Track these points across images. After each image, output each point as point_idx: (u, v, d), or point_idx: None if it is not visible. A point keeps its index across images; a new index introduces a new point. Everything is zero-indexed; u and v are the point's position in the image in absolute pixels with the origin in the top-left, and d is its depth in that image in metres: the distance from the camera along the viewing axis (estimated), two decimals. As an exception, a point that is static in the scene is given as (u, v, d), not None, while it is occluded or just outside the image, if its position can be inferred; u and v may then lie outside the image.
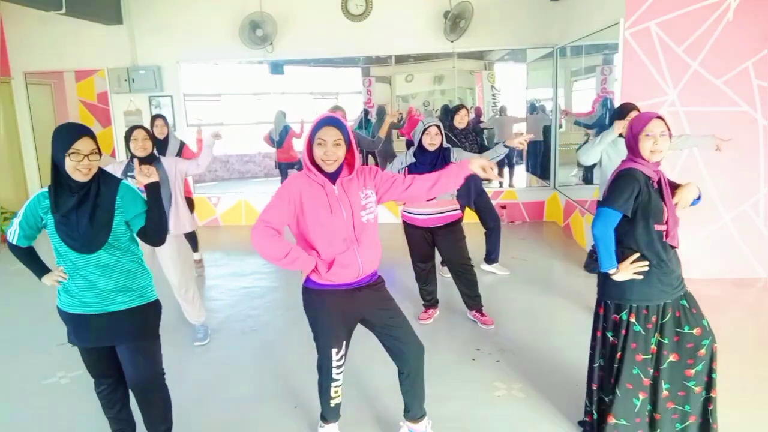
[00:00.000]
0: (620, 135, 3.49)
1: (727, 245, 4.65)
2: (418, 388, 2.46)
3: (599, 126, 6.10)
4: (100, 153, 2.08)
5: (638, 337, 2.25)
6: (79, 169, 2.01)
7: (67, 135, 2.01)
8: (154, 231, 2.21)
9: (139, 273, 2.24)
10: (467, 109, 4.83)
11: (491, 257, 4.96)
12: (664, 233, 2.21)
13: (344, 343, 2.36)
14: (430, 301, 4.01)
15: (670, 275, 2.23)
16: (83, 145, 2.01)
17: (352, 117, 8.23)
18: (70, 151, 1.99)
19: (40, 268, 2.28)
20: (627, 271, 2.20)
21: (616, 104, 4.64)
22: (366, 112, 8.09)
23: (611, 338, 2.33)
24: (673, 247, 2.26)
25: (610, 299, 2.31)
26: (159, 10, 7.02)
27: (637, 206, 2.19)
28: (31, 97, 7.47)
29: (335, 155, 2.16)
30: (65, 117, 8.14)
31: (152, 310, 2.29)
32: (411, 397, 2.47)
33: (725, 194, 4.59)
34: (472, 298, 3.88)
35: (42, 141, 7.66)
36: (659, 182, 2.27)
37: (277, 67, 7.48)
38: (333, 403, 2.44)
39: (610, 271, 2.23)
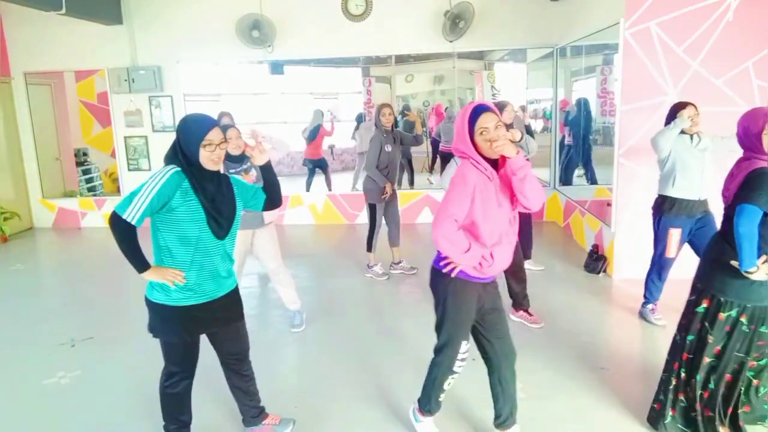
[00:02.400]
0: (682, 131, 3.53)
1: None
2: (510, 394, 2.44)
3: (574, 124, 6.13)
4: (225, 141, 2.19)
5: (743, 336, 2.29)
6: (212, 159, 2.10)
7: (200, 127, 2.10)
8: (278, 193, 2.40)
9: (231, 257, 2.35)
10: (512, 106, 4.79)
11: (525, 253, 4.93)
12: None
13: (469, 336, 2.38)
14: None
15: None
16: (214, 135, 2.10)
17: (352, 117, 8.25)
18: (204, 142, 2.07)
19: (142, 259, 2.16)
20: (761, 272, 2.22)
21: (616, 104, 4.65)
22: (361, 117, 8.12)
23: (710, 335, 2.35)
24: None
25: (724, 296, 2.31)
26: (159, 10, 7.02)
27: None
28: (31, 97, 7.47)
29: (503, 139, 2.06)
30: (65, 117, 8.16)
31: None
32: (502, 403, 2.44)
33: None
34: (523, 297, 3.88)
35: (42, 141, 7.67)
36: None
37: (277, 67, 7.48)
38: (442, 396, 2.46)
39: (750, 270, 2.22)
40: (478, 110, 2.10)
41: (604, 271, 4.87)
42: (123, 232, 2.09)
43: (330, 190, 7.73)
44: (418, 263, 5.10)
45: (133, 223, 2.06)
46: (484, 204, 2.11)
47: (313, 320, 4.03)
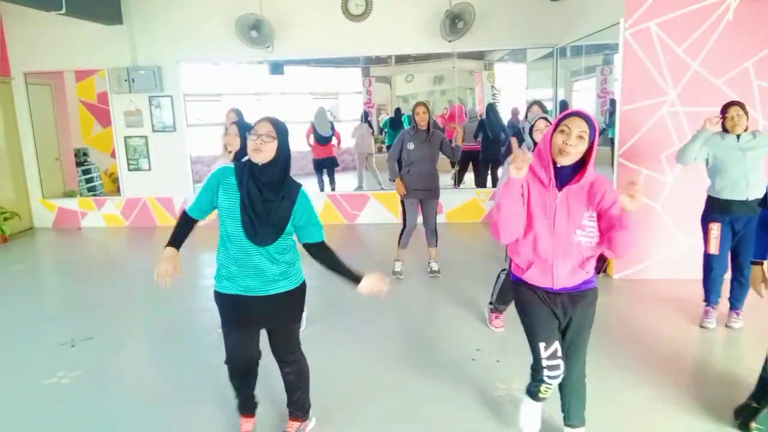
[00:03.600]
0: (725, 130, 3.50)
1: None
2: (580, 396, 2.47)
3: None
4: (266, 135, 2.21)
5: None
6: (252, 148, 2.19)
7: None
8: (323, 262, 2.52)
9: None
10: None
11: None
12: None
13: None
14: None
15: None
16: (260, 127, 2.21)
17: (351, 116, 8.26)
18: (251, 133, 2.22)
19: (173, 239, 2.31)
20: None
21: (616, 103, 4.64)
22: (366, 114, 8.11)
23: None
24: None
25: None
26: (159, 10, 7.02)
27: None
28: (31, 97, 7.47)
29: (575, 148, 2.03)
30: (65, 117, 8.16)
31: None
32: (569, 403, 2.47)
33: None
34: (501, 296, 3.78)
35: (42, 141, 7.67)
36: None
37: (277, 67, 7.48)
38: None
39: None
40: (570, 114, 2.09)
41: (604, 271, 4.87)
42: (179, 216, 2.35)
43: (333, 189, 7.73)
44: (444, 265, 5.05)
45: (185, 209, 2.33)
46: (533, 207, 2.13)
47: (314, 320, 4.03)
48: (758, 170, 3.47)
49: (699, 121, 4.12)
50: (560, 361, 2.27)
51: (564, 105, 6.50)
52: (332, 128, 7.78)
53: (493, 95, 7.89)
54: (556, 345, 2.26)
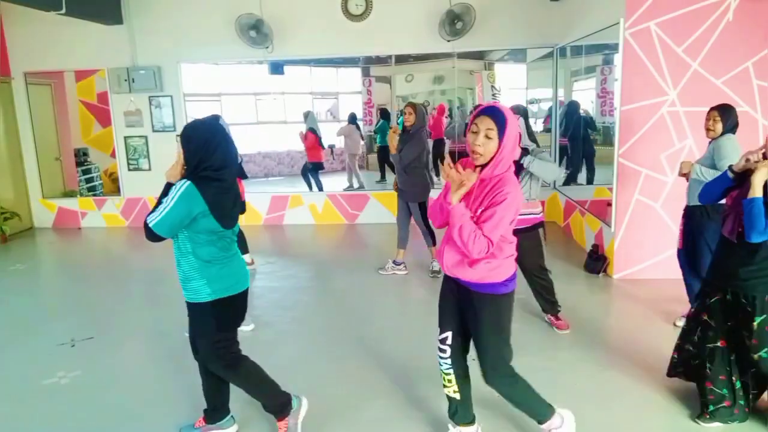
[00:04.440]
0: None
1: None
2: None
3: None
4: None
5: None
6: None
7: None
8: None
9: None
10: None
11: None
12: None
13: None
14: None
15: None
16: None
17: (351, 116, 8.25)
18: None
19: None
20: None
21: (616, 104, 4.64)
22: (353, 116, 8.14)
23: None
24: None
25: None
26: (159, 10, 7.02)
27: None
28: (31, 97, 7.47)
29: (483, 148, 2.02)
30: (65, 117, 8.16)
31: None
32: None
33: (725, 194, 4.58)
34: (548, 303, 3.82)
35: (42, 141, 7.67)
36: None
37: (277, 67, 7.48)
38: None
39: None
40: (481, 111, 2.08)
41: (605, 271, 4.86)
42: None
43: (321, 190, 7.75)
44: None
45: None
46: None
47: (313, 320, 4.04)
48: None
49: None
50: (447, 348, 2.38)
51: (573, 106, 6.46)
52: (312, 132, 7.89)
53: (493, 95, 7.89)
54: (449, 333, 2.38)
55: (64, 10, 5.74)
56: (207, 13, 6.96)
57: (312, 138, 7.92)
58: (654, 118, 4.53)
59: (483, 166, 2.09)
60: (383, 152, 7.94)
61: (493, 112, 2.04)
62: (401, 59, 7.45)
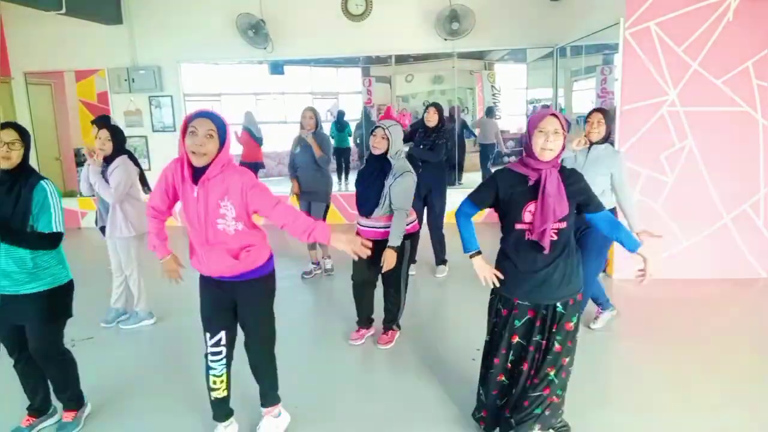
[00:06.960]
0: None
1: (728, 245, 4.65)
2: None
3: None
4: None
5: None
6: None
7: None
8: None
9: None
10: (436, 108, 4.67)
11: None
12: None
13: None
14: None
15: None
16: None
17: (352, 116, 8.25)
18: None
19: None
20: None
21: (616, 103, 4.64)
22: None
23: None
24: None
25: None
26: (159, 10, 7.02)
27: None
28: (31, 97, 7.47)
29: (204, 147, 2.09)
30: (65, 117, 8.14)
31: None
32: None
33: (725, 194, 4.59)
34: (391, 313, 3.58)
35: (42, 141, 7.65)
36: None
37: (277, 67, 7.48)
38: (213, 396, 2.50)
39: None
40: (194, 114, 2.16)
41: (604, 271, 4.86)
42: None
43: None
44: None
45: None
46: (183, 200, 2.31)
47: (312, 320, 4.04)
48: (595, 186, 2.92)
49: (699, 121, 4.13)
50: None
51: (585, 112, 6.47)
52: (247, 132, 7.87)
53: (493, 95, 7.89)
54: None
55: (64, 10, 5.75)
56: (207, 13, 6.96)
57: (246, 137, 7.87)
58: (654, 118, 4.53)
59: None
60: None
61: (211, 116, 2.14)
62: (401, 59, 7.45)
